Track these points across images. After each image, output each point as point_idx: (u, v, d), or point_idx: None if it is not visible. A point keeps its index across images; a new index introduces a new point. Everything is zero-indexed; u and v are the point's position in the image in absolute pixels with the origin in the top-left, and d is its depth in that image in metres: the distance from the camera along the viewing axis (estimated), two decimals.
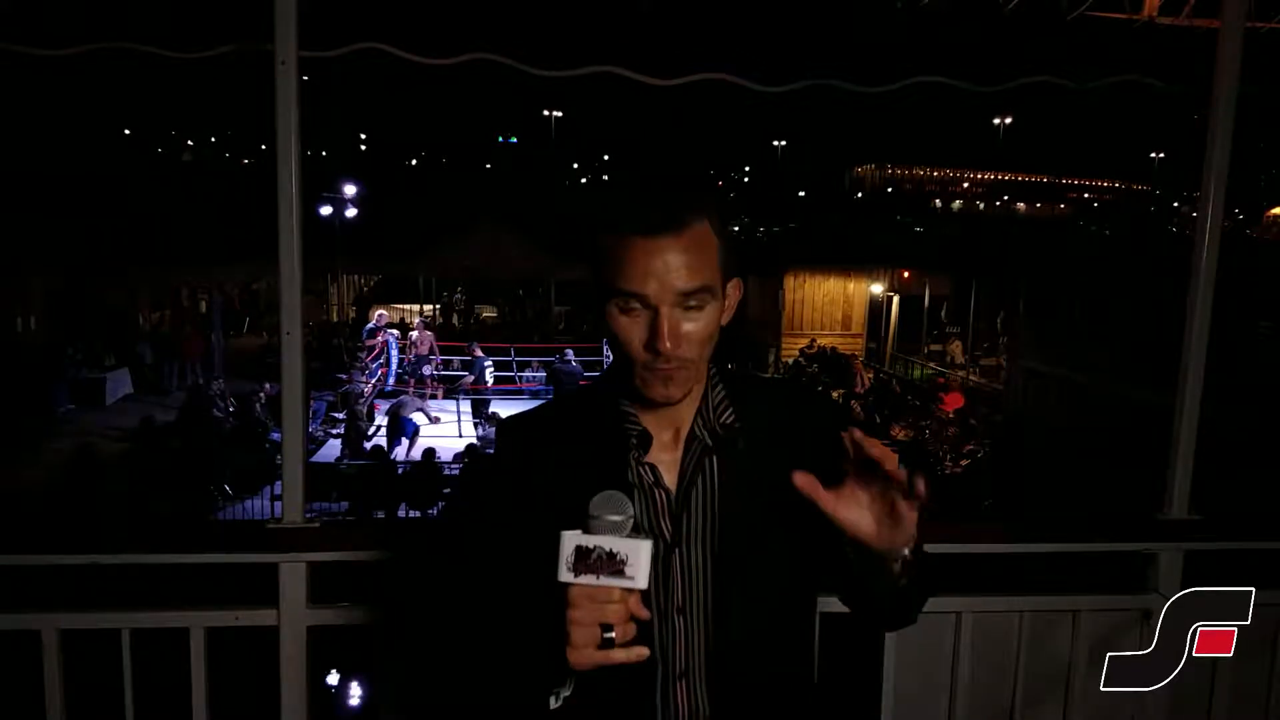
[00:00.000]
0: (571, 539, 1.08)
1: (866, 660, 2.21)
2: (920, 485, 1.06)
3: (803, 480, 1.09)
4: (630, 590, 1.07)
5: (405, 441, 12.03)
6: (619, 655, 1.07)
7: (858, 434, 1.06)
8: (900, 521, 1.09)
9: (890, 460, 1.06)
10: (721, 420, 1.29)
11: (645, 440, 1.27)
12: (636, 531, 1.10)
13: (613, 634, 1.07)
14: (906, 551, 1.14)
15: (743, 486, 1.26)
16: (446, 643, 1.33)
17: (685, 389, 1.23)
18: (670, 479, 1.27)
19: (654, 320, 1.17)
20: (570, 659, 1.07)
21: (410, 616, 2.03)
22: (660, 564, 1.23)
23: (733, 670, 1.26)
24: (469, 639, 1.27)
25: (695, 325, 1.19)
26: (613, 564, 1.06)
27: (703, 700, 1.26)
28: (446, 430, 13.10)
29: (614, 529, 1.08)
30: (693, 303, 1.18)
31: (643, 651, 1.08)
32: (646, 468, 1.26)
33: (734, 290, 1.26)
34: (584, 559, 1.07)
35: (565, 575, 1.07)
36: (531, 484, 1.27)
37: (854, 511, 1.10)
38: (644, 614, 1.09)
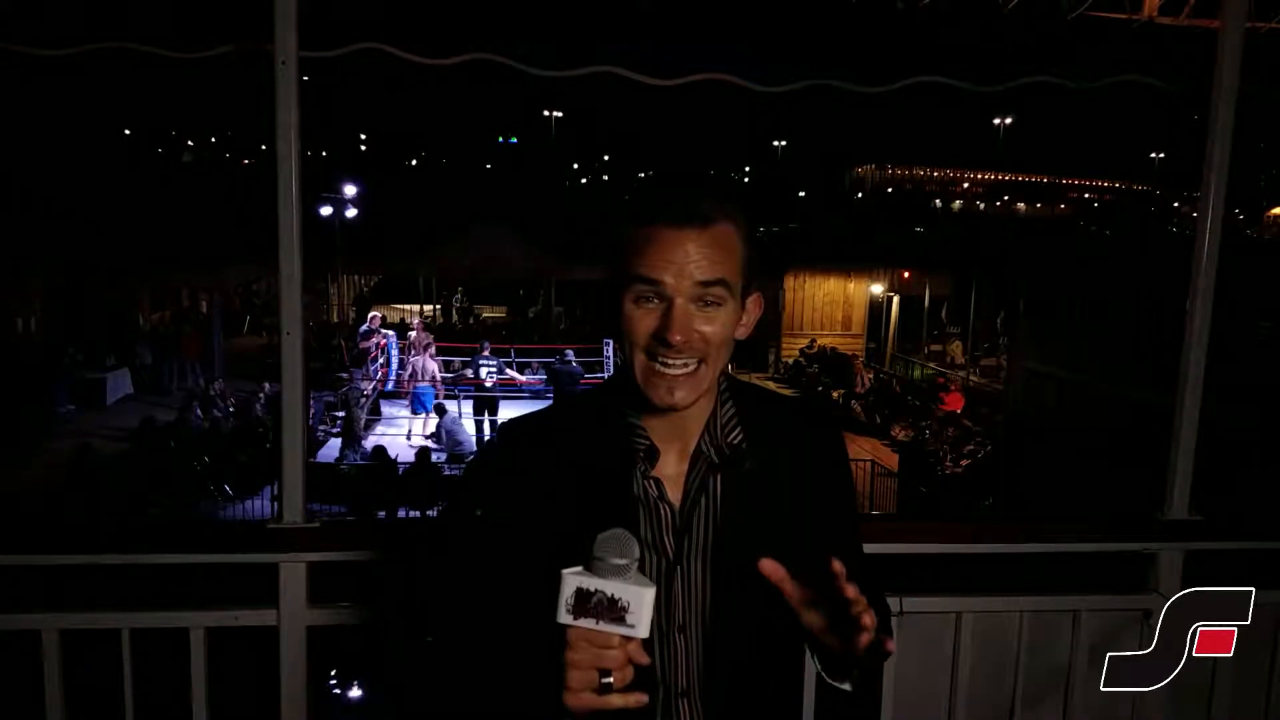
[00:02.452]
0: (572, 580, 1.03)
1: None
2: (889, 646, 1.11)
3: (770, 569, 1.09)
4: (630, 638, 1.03)
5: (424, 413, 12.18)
6: (616, 701, 1.05)
7: (838, 566, 1.05)
8: (853, 646, 1.09)
9: (860, 605, 1.06)
10: (729, 439, 1.27)
11: (653, 454, 1.25)
12: (640, 575, 1.06)
13: (610, 679, 1.04)
14: (858, 662, 1.15)
15: (746, 506, 1.25)
16: (443, 653, 1.31)
17: (692, 397, 1.20)
18: (674, 494, 1.25)
19: (667, 311, 1.16)
20: (566, 701, 1.04)
21: (409, 622, 2.03)
22: (662, 582, 1.20)
23: (730, 688, 1.25)
24: (465, 651, 1.26)
25: (709, 325, 1.18)
26: (614, 610, 1.02)
27: (701, 718, 1.25)
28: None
29: (618, 572, 1.03)
30: (709, 298, 1.17)
31: (641, 698, 1.06)
32: (652, 482, 1.25)
33: (754, 306, 1.26)
34: (584, 602, 1.02)
35: (564, 617, 1.03)
36: (534, 490, 1.25)
37: (811, 613, 1.12)
38: (644, 660, 1.07)
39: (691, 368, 1.18)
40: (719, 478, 1.26)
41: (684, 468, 1.27)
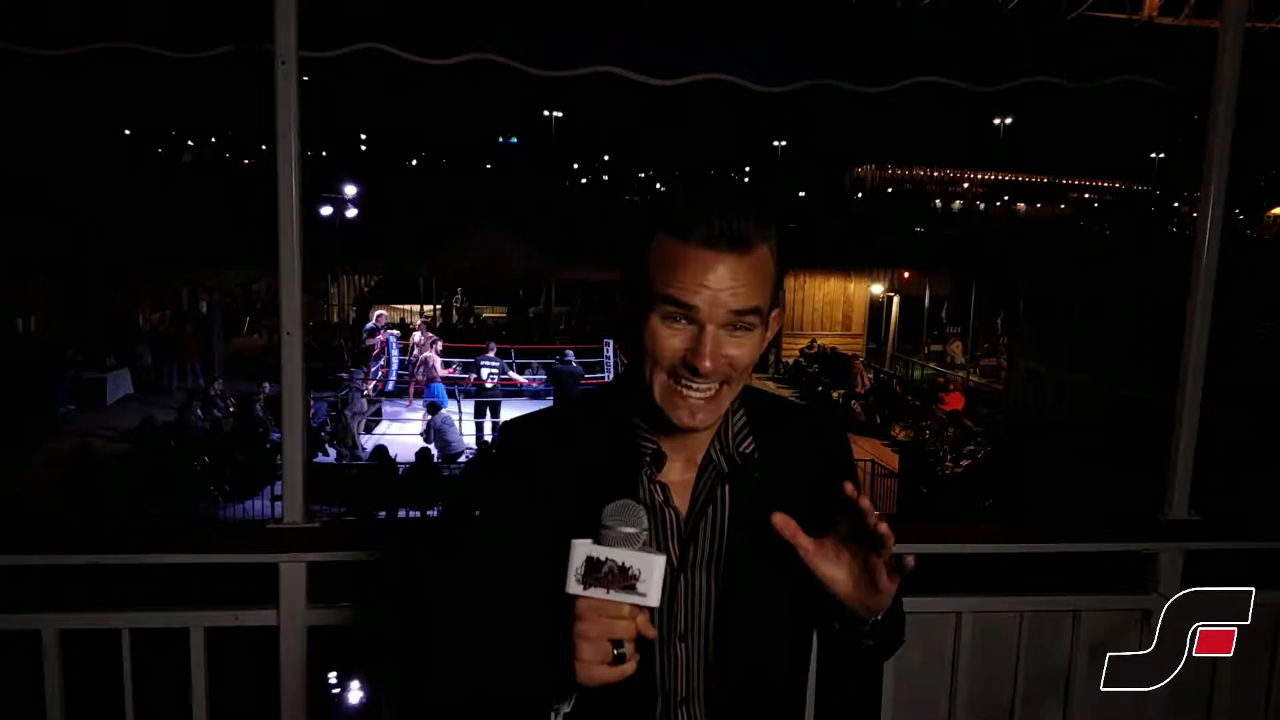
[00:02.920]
0: (582, 549, 1.02)
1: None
2: (908, 561, 1.06)
3: (781, 522, 1.08)
4: (640, 607, 1.02)
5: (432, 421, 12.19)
6: (630, 669, 1.04)
7: (850, 488, 1.04)
8: (878, 589, 1.08)
9: (875, 518, 1.04)
10: (740, 449, 1.25)
11: (659, 459, 1.23)
12: (650, 545, 1.05)
13: (624, 649, 1.03)
14: (879, 615, 1.14)
15: (754, 517, 1.21)
16: (445, 649, 1.29)
17: (712, 419, 1.18)
18: (681, 501, 1.23)
19: (698, 336, 1.12)
20: (579, 674, 1.03)
21: (411, 620, 2.03)
22: (665, 589, 1.17)
23: (731, 698, 1.24)
24: (468, 646, 1.24)
25: (739, 350, 1.15)
26: (625, 578, 1.01)
27: None
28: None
29: (628, 541, 1.02)
30: (740, 325, 1.14)
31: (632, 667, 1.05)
32: (658, 486, 1.22)
33: (775, 321, 1.23)
34: (594, 571, 1.01)
35: (574, 587, 1.02)
36: (536, 491, 1.23)
37: (830, 566, 1.10)
38: (651, 633, 1.05)
39: (714, 391, 1.16)
40: (728, 487, 1.23)
41: (691, 474, 1.24)
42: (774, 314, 1.22)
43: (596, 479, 1.21)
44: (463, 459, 11.08)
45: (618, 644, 1.03)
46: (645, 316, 1.15)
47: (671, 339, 1.14)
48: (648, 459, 1.23)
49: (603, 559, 1.02)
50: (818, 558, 1.09)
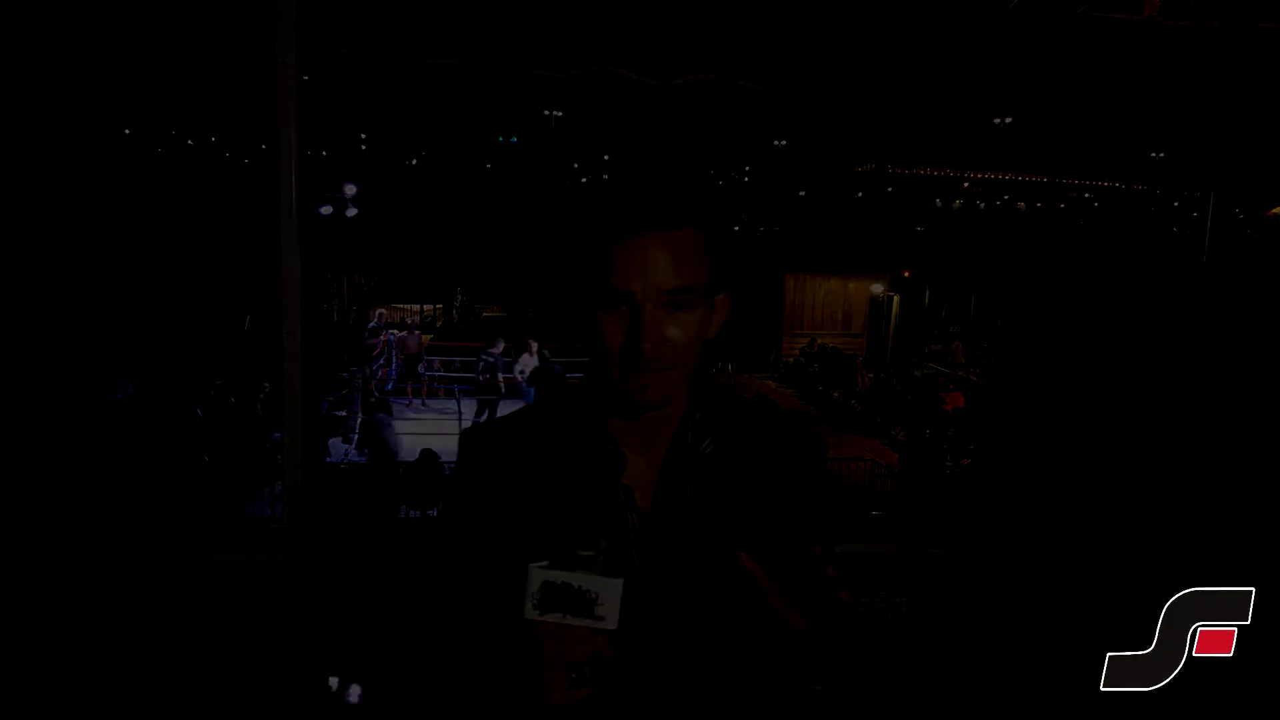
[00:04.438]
0: (538, 574, 1.02)
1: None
2: (864, 625, 1.07)
3: (746, 562, 1.08)
4: (598, 630, 1.02)
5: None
6: (589, 690, 1.04)
7: (818, 550, 1.05)
8: (822, 616, 1.08)
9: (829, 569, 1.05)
10: (699, 448, 1.26)
11: (620, 461, 1.23)
12: (608, 566, 1.05)
13: (583, 672, 1.03)
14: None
15: (716, 518, 1.23)
16: (420, 660, 1.29)
17: (665, 395, 1.18)
18: (644, 503, 1.23)
19: (635, 319, 1.13)
20: (543, 701, 1.03)
21: (402, 626, 2.03)
22: (626, 592, 1.16)
23: (700, 706, 1.22)
24: (443, 655, 1.24)
25: (679, 329, 1.15)
26: (582, 602, 1.01)
27: None
28: (448, 428, 13.12)
29: (585, 564, 1.02)
30: (678, 304, 1.15)
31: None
32: (620, 489, 1.23)
33: (723, 304, 1.24)
34: (551, 596, 1.01)
35: (531, 613, 1.01)
36: (498, 498, 1.23)
37: (783, 601, 1.09)
38: (610, 653, 1.05)
39: (662, 370, 1.17)
40: (688, 489, 1.24)
41: (653, 476, 1.25)
42: (720, 297, 1.23)
43: (559, 485, 1.22)
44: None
45: (576, 667, 1.03)
46: (589, 312, 1.17)
47: (614, 329, 1.15)
48: (608, 461, 1.23)
49: (559, 583, 1.01)
50: (776, 597, 1.09)
